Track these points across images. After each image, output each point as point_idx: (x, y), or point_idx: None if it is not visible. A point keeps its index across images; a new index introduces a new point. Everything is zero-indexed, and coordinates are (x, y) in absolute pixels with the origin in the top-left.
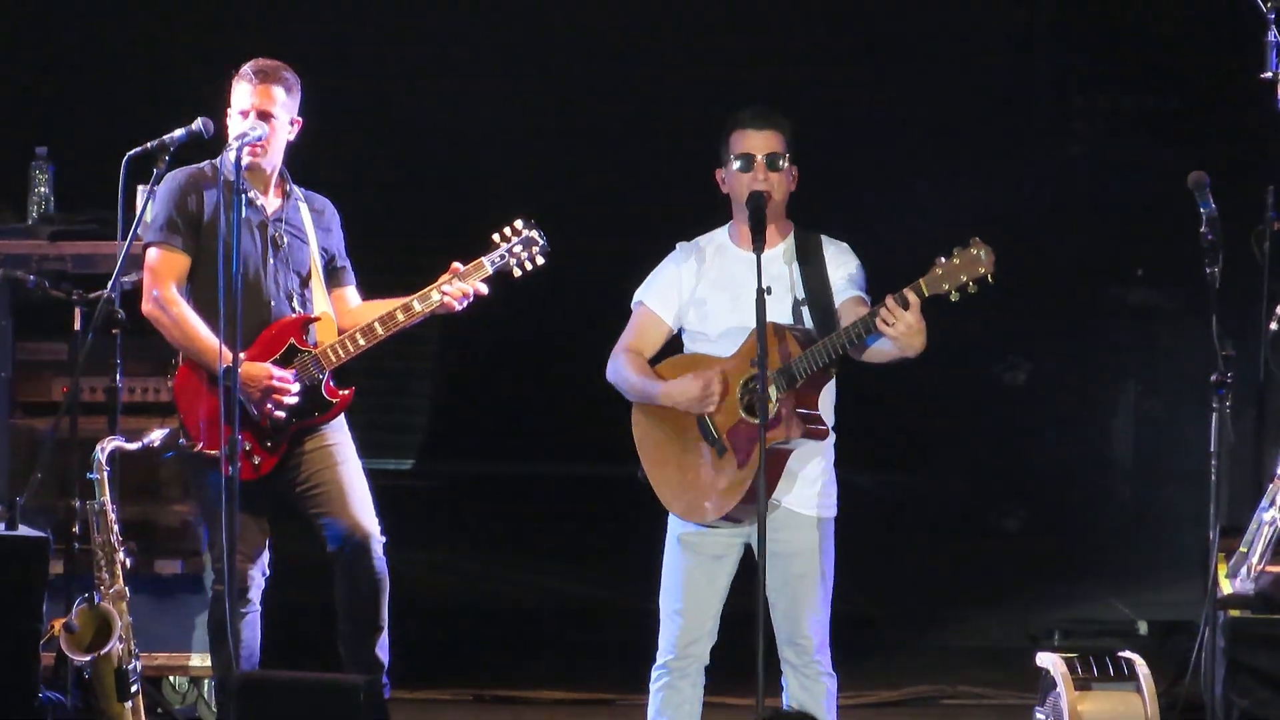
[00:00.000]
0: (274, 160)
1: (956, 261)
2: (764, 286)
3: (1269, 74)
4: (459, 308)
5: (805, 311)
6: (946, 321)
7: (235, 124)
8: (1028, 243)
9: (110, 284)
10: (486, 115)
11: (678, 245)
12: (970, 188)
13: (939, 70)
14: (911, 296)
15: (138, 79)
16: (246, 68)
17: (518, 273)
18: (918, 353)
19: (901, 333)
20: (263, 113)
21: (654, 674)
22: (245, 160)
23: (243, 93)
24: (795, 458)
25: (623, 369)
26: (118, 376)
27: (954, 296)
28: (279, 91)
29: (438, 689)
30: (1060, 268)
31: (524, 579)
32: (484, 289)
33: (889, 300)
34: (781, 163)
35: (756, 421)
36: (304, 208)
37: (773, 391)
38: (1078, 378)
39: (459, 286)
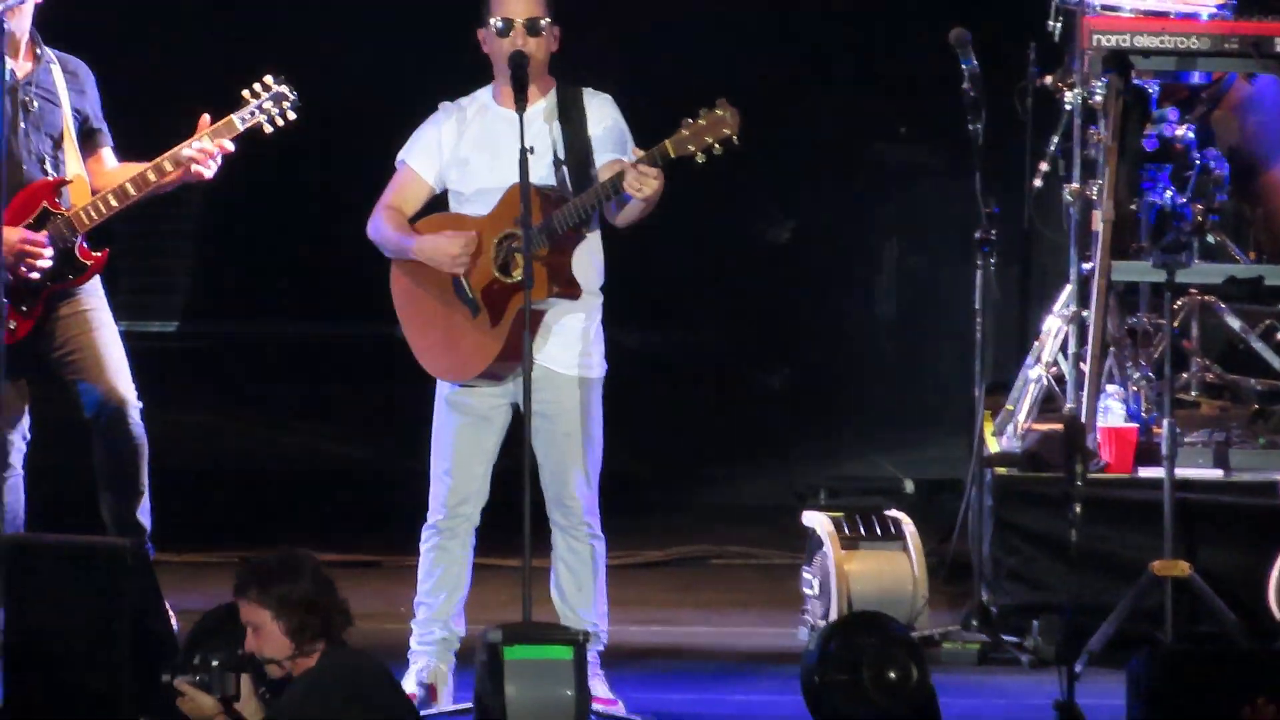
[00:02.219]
0: (24, 24)
1: (702, 123)
2: (527, 146)
3: None
4: (208, 174)
5: (564, 171)
6: (711, 177)
7: None
8: (791, 101)
9: None
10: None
11: (440, 105)
12: (730, 47)
13: None
14: (654, 157)
15: None
16: None
17: (269, 129)
18: (652, 207)
19: (647, 196)
20: None
21: (424, 534)
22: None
23: None
24: (554, 317)
25: (382, 225)
26: None
27: (700, 158)
28: None
29: (203, 552)
30: (823, 125)
31: (288, 440)
32: (230, 147)
33: (634, 164)
34: (541, 25)
35: (510, 281)
36: (56, 70)
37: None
38: (841, 235)
39: (201, 146)
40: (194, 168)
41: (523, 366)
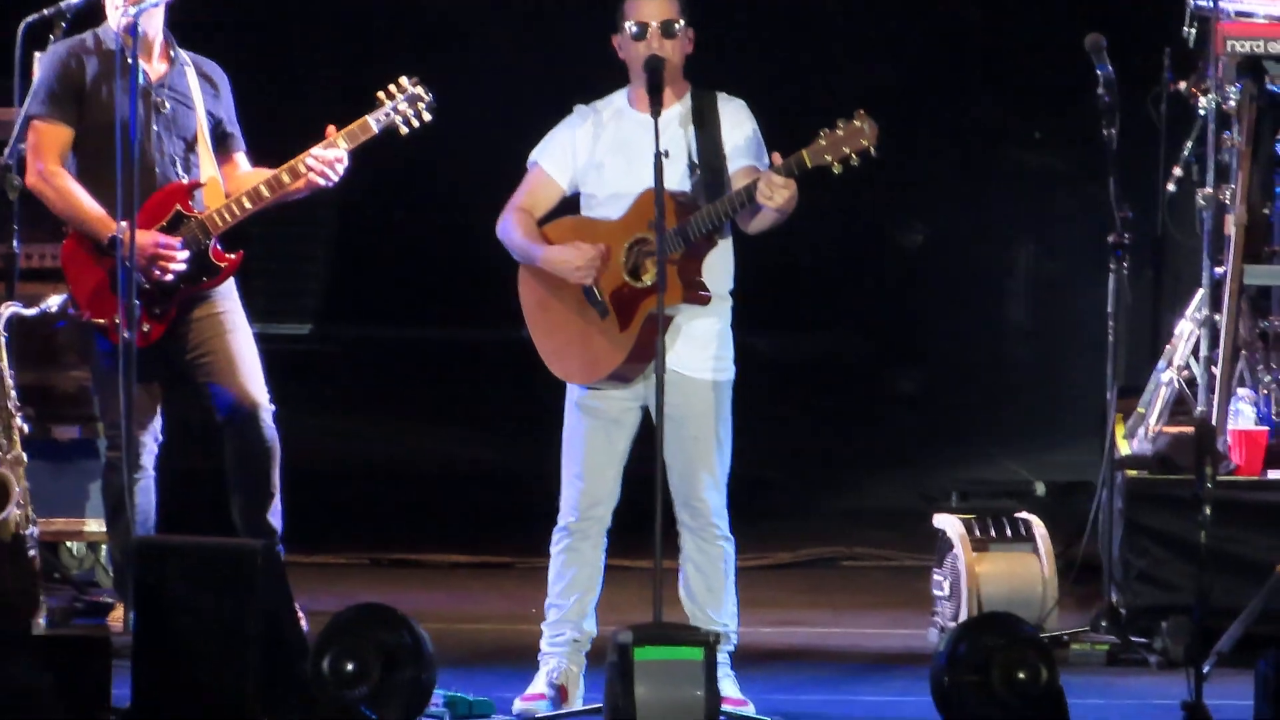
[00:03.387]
0: (156, 26)
1: (840, 133)
2: (662, 150)
3: None
4: (324, 183)
5: (698, 176)
6: (844, 184)
7: None
8: (925, 106)
9: (7, 151)
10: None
11: (575, 108)
12: (864, 55)
13: None
14: (790, 166)
15: None
16: None
17: (404, 130)
18: (787, 216)
19: (780, 205)
20: None
21: (555, 537)
22: (140, 27)
23: None
24: (684, 320)
25: (511, 229)
26: (15, 243)
27: (836, 169)
28: None
29: (334, 553)
30: (958, 131)
31: (421, 443)
32: (344, 155)
33: (769, 173)
34: (676, 28)
35: (639, 285)
36: (190, 73)
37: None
38: (975, 240)
39: (321, 157)
40: (312, 177)
41: (655, 370)
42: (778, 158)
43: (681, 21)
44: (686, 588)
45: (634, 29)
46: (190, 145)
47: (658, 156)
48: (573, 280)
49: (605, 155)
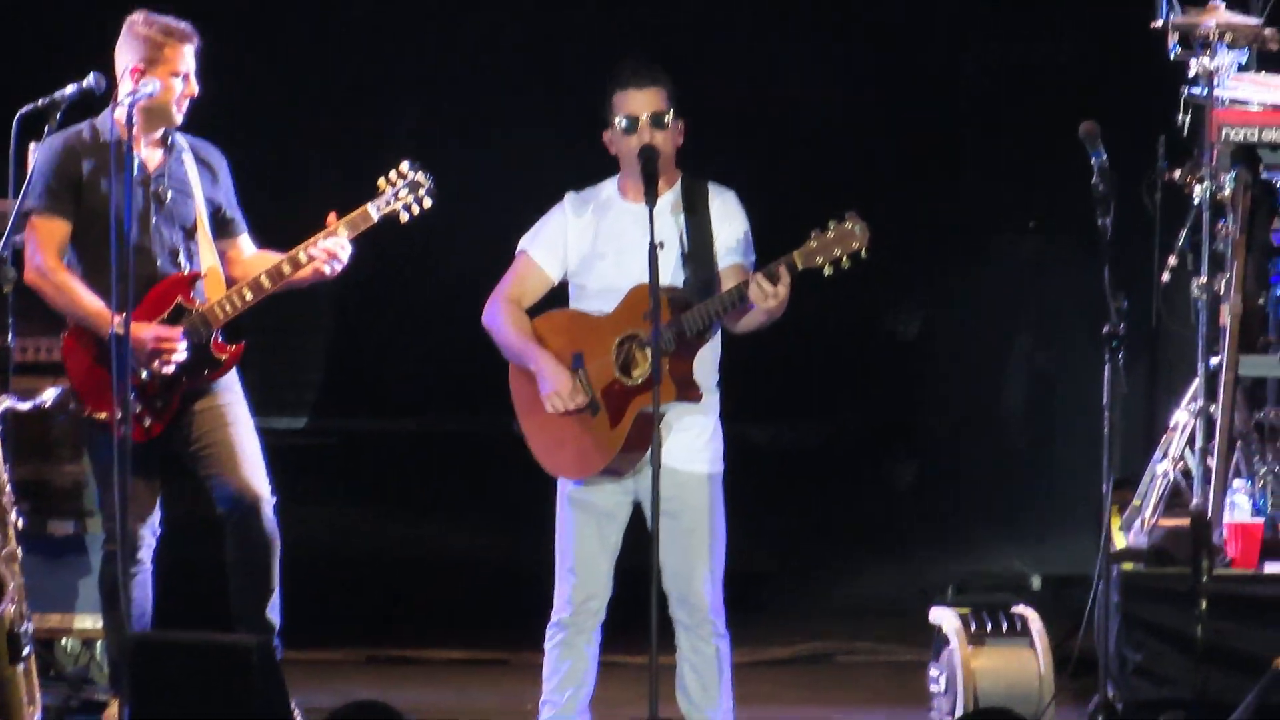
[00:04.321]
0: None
1: (830, 235)
2: (657, 241)
3: (1159, 23)
4: (329, 272)
5: (688, 266)
6: (840, 272)
7: (125, 83)
8: (921, 193)
9: (1, 243)
10: (380, 66)
11: (566, 196)
12: (864, 138)
13: (831, 27)
14: (783, 271)
15: (28, 35)
16: (180, 26)
17: (405, 217)
18: (774, 320)
19: (771, 307)
20: (189, 74)
21: (549, 632)
22: (135, 120)
23: (188, 54)
24: (674, 416)
25: (503, 323)
26: (9, 336)
27: (827, 270)
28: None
29: (331, 649)
30: (953, 218)
31: (417, 536)
32: (347, 243)
33: (760, 275)
34: (666, 119)
35: (630, 382)
36: (188, 159)
37: (648, 354)
38: (971, 329)
39: (325, 246)
40: (314, 266)
41: (651, 464)
42: (763, 272)
43: (671, 113)
44: (682, 687)
45: (624, 123)
46: (190, 234)
47: (652, 248)
48: (544, 400)
49: (596, 246)
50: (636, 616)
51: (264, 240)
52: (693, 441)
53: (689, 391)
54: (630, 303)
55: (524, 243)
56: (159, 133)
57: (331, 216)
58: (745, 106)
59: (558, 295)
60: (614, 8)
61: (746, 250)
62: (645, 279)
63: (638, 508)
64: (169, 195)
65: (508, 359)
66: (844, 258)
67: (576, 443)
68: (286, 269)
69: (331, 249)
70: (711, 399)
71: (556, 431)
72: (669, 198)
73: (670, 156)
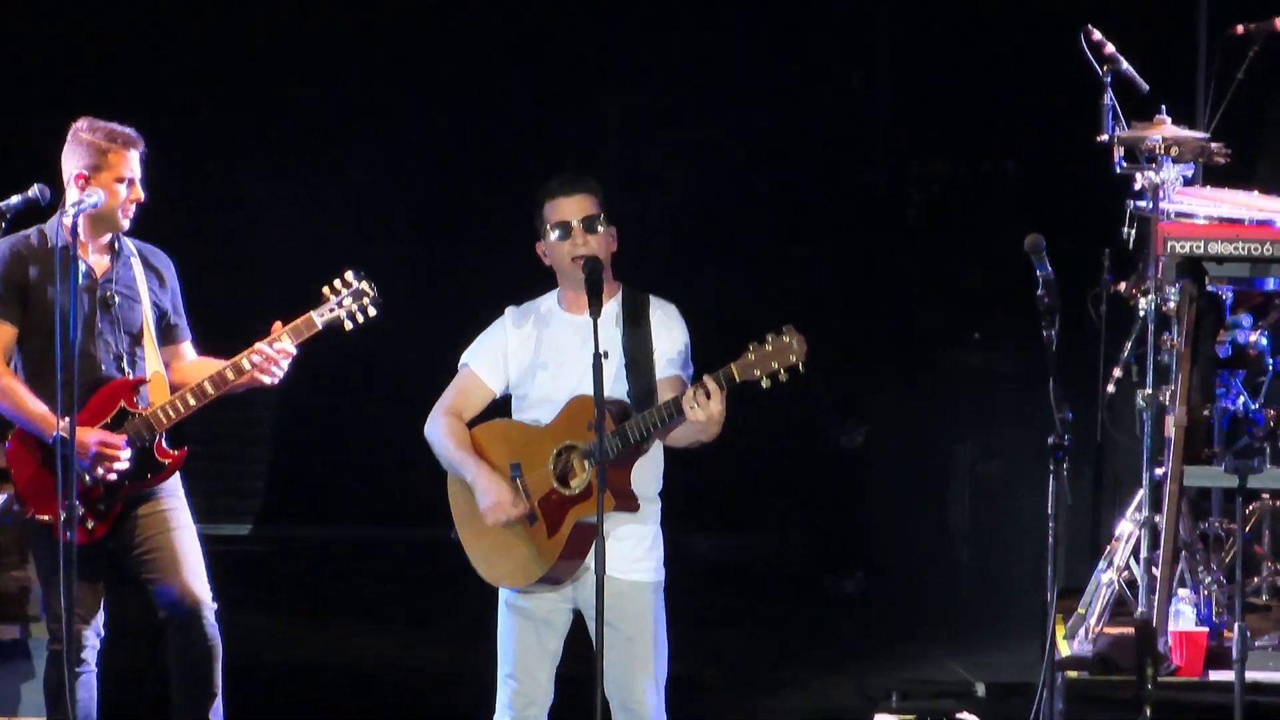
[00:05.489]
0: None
1: (769, 348)
2: (601, 351)
3: (1105, 136)
4: (269, 380)
5: (629, 377)
6: (784, 383)
7: (71, 190)
8: (865, 307)
9: None
10: (318, 182)
11: (507, 310)
12: (808, 254)
13: (776, 138)
14: (713, 385)
15: None
16: (124, 132)
17: (349, 325)
18: (713, 438)
19: (704, 420)
20: (134, 180)
21: None
22: (81, 226)
23: (133, 160)
24: (613, 525)
25: (442, 436)
26: None
27: (765, 383)
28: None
29: None
30: (897, 331)
31: (360, 643)
32: (291, 350)
33: (694, 389)
34: (599, 224)
35: (568, 492)
36: (136, 263)
37: (588, 465)
38: (915, 440)
39: (266, 352)
40: (256, 374)
41: (596, 572)
42: (698, 385)
43: (603, 216)
44: None
45: (556, 231)
46: (136, 339)
47: (597, 357)
48: (484, 514)
49: (538, 357)
50: None
51: (206, 345)
52: (632, 550)
53: (627, 502)
54: (569, 413)
55: (466, 356)
56: (106, 238)
57: (277, 325)
58: (682, 216)
59: (501, 404)
60: (544, 122)
61: (685, 363)
62: (584, 390)
63: (578, 616)
64: (116, 300)
65: (445, 468)
66: (781, 371)
67: (515, 551)
68: (230, 375)
69: (274, 356)
70: (652, 507)
71: (494, 540)
72: (611, 308)
73: (607, 262)
